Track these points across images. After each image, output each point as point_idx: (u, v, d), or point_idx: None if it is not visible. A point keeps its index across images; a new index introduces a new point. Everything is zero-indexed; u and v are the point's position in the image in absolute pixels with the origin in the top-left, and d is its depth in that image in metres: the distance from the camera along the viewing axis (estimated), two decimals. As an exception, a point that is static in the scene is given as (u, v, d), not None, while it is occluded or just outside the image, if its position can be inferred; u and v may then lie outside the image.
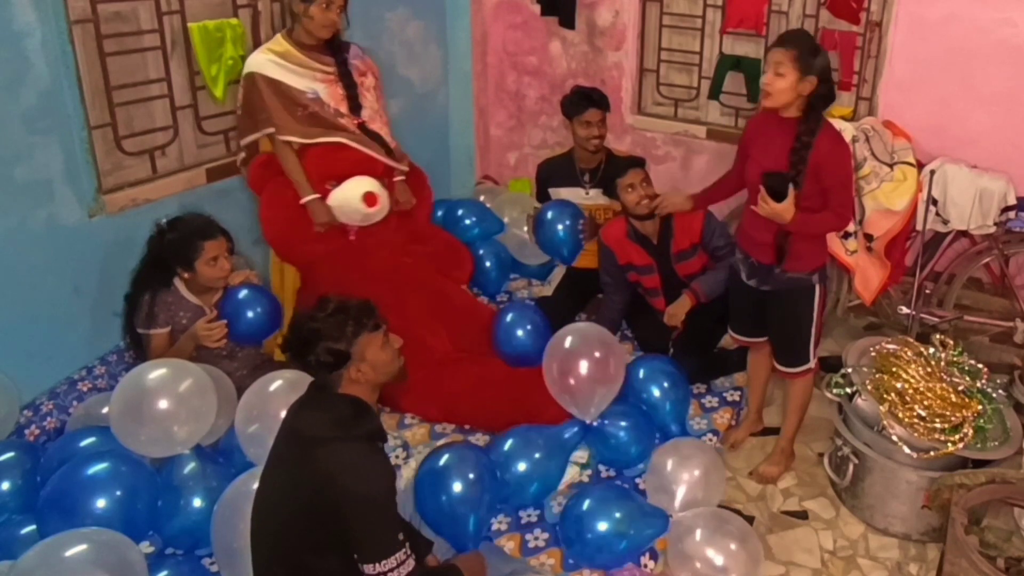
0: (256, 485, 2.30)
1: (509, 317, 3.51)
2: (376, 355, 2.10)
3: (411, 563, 2.04)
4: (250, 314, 3.09)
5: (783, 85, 2.61)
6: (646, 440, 3.02)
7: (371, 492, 1.99)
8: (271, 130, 3.23)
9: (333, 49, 3.31)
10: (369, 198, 3.25)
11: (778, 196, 2.64)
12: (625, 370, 3.08)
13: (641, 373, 3.22)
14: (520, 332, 3.45)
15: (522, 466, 2.78)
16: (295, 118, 3.22)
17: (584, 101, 3.79)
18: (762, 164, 2.73)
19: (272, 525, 2.10)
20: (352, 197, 3.24)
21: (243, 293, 3.11)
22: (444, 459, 2.69)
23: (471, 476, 2.65)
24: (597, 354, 2.97)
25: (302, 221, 3.28)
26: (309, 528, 2.03)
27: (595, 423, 2.98)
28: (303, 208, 3.27)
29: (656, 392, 3.17)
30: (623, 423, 2.99)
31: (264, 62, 3.19)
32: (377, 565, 1.98)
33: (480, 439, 3.16)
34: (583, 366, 2.94)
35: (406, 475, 2.84)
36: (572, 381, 2.94)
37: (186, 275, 3.01)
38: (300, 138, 3.24)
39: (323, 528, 2.02)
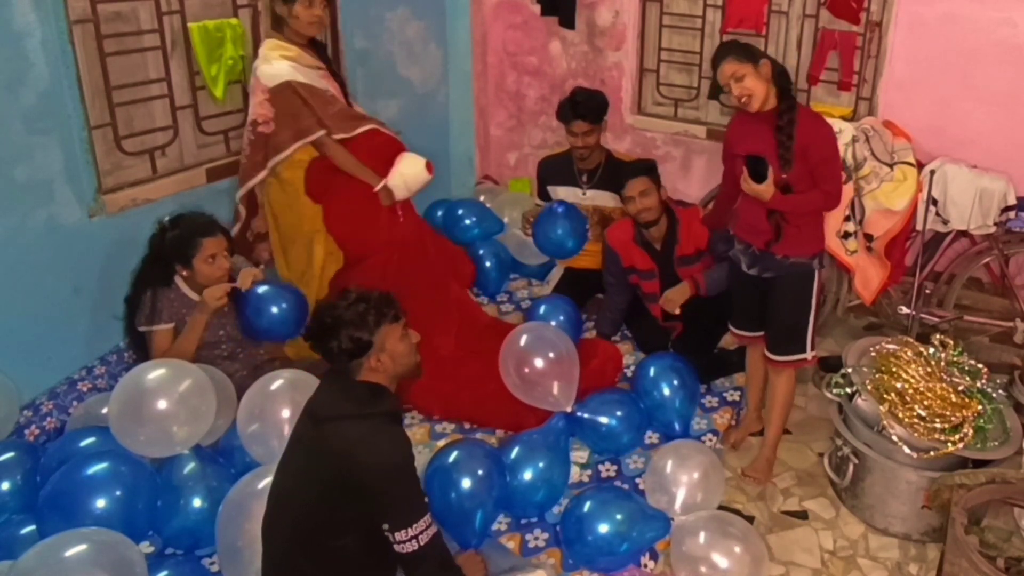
0: (261, 485, 2.31)
1: (542, 309, 3.60)
2: (395, 346, 2.17)
3: (435, 526, 2.12)
4: (275, 310, 3.10)
5: (752, 83, 2.72)
6: (636, 428, 3.09)
7: (393, 461, 2.06)
8: (321, 133, 3.22)
9: (316, 46, 3.33)
10: (430, 166, 3.37)
11: (759, 177, 2.76)
12: (579, 352, 3.14)
13: (652, 370, 3.24)
14: (553, 324, 3.45)
15: (528, 475, 2.77)
16: (331, 117, 3.23)
17: (571, 112, 3.76)
18: (750, 154, 2.81)
19: (292, 510, 2.15)
20: (419, 170, 3.34)
21: (264, 288, 3.11)
22: (454, 455, 2.70)
23: (480, 472, 2.66)
24: (540, 349, 3.04)
25: (367, 214, 3.34)
26: (329, 508, 2.08)
27: (578, 412, 3.02)
28: (365, 201, 3.31)
29: (666, 390, 3.18)
30: (611, 411, 3.05)
31: (290, 70, 3.16)
32: (409, 530, 2.05)
33: (480, 439, 3.15)
34: (530, 367, 3.01)
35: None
36: (529, 382, 3.02)
37: (184, 272, 3.01)
38: (347, 133, 3.26)
39: (343, 507, 2.07)
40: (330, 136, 3.23)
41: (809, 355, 2.99)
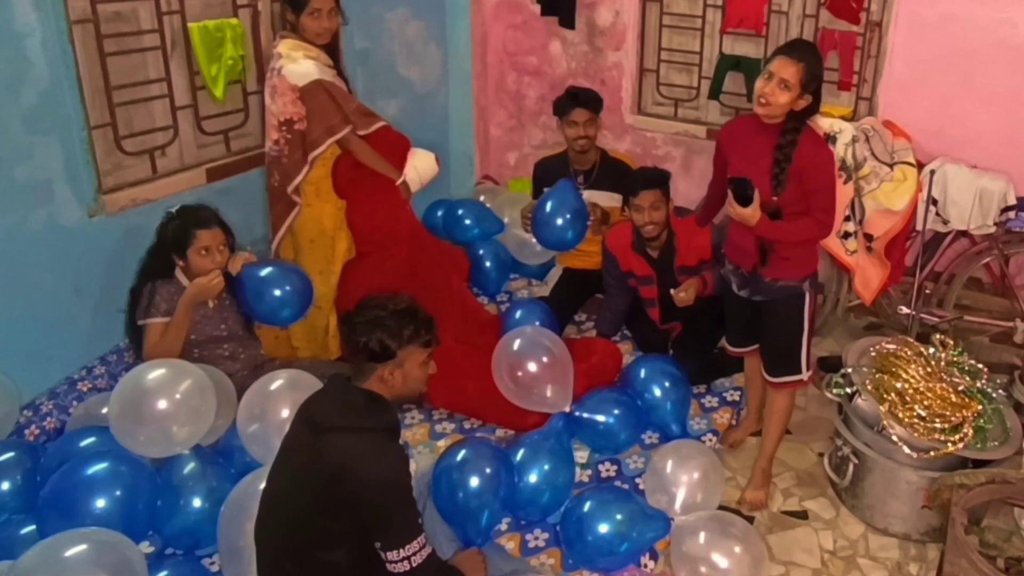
0: (262, 485, 2.30)
1: (519, 314, 3.55)
2: (413, 368, 2.16)
3: (430, 546, 2.10)
4: (277, 292, 3.09)
5: (785, 100, 2.55)
6: (633, 425, 3.09)
7: (391, 478, 2.03)
8: (349, 129, 3.24)
9: (328, 47, 3.34)
10: (438, 160, 3.50)
11: (745, 200, 2.61)
12: (570, 351, 3.13)
13: (642, 373, 3.23)
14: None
15: (533, 478, 2.77)
16: (354, 113, 3.27)
17: (571, 101, 3.77)
18: (743, 170, 2.69)
19: (283, 518, 2.13)
20: (430, 163, 3.46)
21: (267, 270, 3.10)
22: (462, 454, 2.69)
23: (488, 471, 2.65)
24: (531, 353, 3.03)
25: (389, 207, 3.42)
26: (321, 520, 2.05)
27: (576, 412, 3.03)
28: (386, 195, 3.38)
29: (657, 392, 3.17)
30: (608, 410, 3.05)
31: (316, 69, 3.18)
32: (401, 551, 2.03)
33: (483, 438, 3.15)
34: (523, 372, 3.00)
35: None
36: (523, 386, 3.01)
37: (181, 263, 3.01)
38: (366, 129, 3.29)
39: (336, 520, 2.04)
40: (355, 132, 3.26)
41: (805, 376, 2.89)
